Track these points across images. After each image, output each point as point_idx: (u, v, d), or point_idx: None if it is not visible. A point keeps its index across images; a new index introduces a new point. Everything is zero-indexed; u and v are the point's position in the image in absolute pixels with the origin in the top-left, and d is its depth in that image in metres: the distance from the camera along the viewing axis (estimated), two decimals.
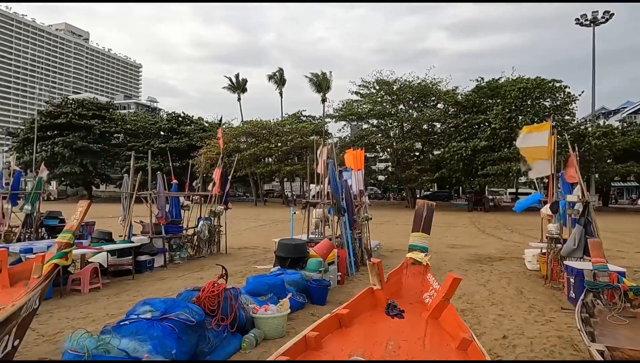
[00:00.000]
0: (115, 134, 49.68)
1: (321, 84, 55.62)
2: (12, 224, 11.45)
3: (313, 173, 10.48)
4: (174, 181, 11.51)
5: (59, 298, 6.68)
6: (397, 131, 39.96)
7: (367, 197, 11.24)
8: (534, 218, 14.43)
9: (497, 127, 32.10)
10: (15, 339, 3.60)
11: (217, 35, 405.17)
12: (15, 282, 3.96)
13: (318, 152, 9.26)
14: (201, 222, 11.06)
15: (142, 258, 8.79)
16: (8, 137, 57.94)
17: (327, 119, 44.94)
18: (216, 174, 11.78)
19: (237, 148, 38.73)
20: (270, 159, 41.22)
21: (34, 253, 7.00)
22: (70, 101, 49.94)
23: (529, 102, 33.80)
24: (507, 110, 32.53)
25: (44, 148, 44.01)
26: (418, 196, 43.55)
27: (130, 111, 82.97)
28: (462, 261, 10.69)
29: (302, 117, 49.55)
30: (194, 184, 13.66)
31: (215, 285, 4.67)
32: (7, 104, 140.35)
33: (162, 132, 49.32)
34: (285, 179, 46.09)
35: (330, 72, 55.90)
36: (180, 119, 51.20)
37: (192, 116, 53.32)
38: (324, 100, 55.12)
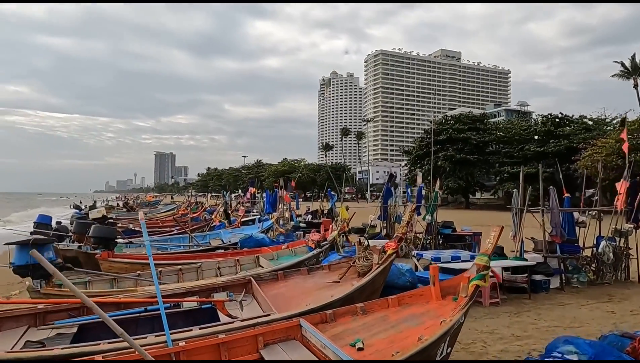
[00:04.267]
0: (489, 143, 51.28)
1: None
2: (417, 230, 13.80)
3: None
4: (566, 194, 10.43)
5: None
6: None
7: None
8: None
9: None
10: (448, 347, 4.14)
11: (598, 15, 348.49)
12: (444, 295, 4.59)
13: None
14: (602, 242, 9.51)
15: (537, 277, 8.42)
16: (403, 154, 70.76)
17: None
18: (621, 185, 9.85)
19: (638, 145, 31.19)
20: None
21: (442, 262, 8.03)
22: (449, 118, 55.85)
23: None
24: None
25: (429, 162, 50.98)
26: None
27: (501, 118, 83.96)
28: None
29: None
30: (591, 195, 12.00)
31: None
32: (401, 127, 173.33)
33: (536, 136, 46.86)
34: None
35: None
36: (557, 120, 47.07)
37: (572, 116, 47.83)
38: None
